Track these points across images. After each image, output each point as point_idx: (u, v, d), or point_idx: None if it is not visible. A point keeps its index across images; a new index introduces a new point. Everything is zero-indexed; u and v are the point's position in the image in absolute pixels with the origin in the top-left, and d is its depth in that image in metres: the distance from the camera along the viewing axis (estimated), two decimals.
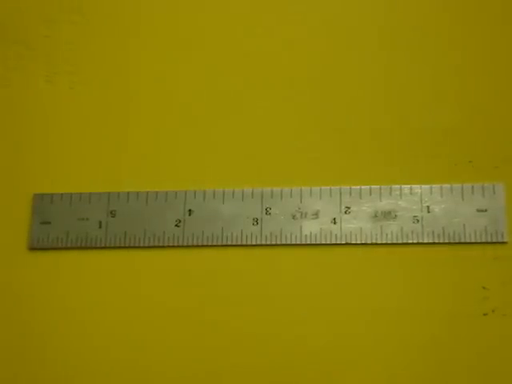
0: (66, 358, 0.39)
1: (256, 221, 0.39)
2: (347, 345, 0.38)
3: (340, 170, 0.40)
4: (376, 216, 0.39)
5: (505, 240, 0.38)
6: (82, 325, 0.39)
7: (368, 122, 0.41)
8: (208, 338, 0.38)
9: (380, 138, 0.40)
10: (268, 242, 0.39)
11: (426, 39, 0.41)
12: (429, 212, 0.39)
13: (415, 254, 0.38)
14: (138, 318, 0.39)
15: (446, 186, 0.39)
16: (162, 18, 0.43)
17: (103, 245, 0.40)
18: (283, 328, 0.38)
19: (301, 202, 0.39)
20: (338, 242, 0.39)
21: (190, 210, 0.40)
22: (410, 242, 0.38)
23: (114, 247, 0.40)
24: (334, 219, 0.39)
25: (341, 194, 0.39)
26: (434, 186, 0.39)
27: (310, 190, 0.39)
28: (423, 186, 0.39)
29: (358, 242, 0.39)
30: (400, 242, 0.38)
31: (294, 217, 0.39)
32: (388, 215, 0.39)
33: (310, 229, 0.39)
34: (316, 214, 0.39)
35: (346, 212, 0.39)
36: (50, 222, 0.40)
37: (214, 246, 0.39)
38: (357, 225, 0.39)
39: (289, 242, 0.39)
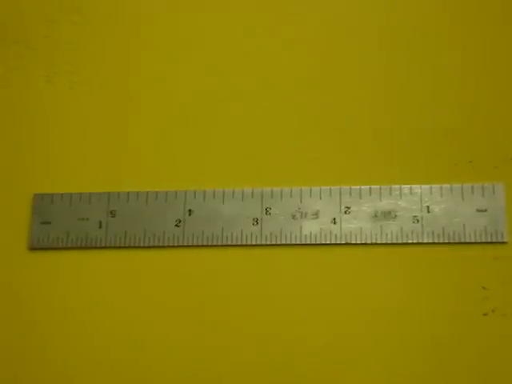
0: (65, 357, 0.39)
1: (256, 221, 0.39)
2: (347, 345, 0.38)
3: (340, 170, 0.40)
4: (376, 216, 0.39)
5: (505, 240, 0.38)
6: (82, 325, 0.39)
7: (368, 122, 0.41)
8: (208, 338, 0.38)
9: (380, 138, 0.40)
10: (268, 242, 0.39)
11: (426, 39, 0.41)
12: (429, 212, 0.39)
13: (415, 254, 0.38)
14: (138, 318, 0.39)
15: (446, 186, 0.39)
16: (162, 18, 0.43)
17: (103, 245, 0.40)
18: (283, 328, 0.38)
19: (301, 201, 0.39)
20: (338, 242, 0.39)
21: (190, 210, 0.40)
22: (410, 242, 0.38)
23: (114, 247, 0.40)
24: (334, 219, 0.39)
25: (341, 193, 0.39)
26: (433, 186, 0.39)
27: (310, 190, 0.39)
28: (423, 185, 0.39)
29: (358, 242, 0.39)
30: (400, 241, 0.38)
31: (293, 217, 0.39)
32: (388, 215, 0.39)
33: (310, 229, 0.39)
34: (316, 214, 0.39)
35: (345, 212, 0.39)
36: (50, 222, 0.40)
37: (214, 245, 0.39)
38: (357, 225, 0.39)
39: (289, 242, 0.39)
